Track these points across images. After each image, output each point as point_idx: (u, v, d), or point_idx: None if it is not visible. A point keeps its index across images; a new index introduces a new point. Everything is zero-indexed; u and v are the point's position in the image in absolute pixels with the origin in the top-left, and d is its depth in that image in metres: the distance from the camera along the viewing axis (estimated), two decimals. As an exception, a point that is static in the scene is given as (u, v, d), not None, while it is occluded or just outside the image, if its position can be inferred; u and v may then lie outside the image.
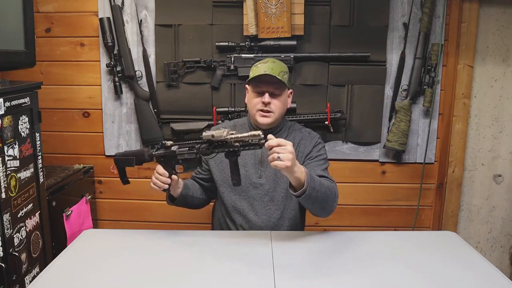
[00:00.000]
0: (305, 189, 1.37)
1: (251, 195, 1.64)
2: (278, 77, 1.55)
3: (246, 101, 1.69)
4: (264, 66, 1.58)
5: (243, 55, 2.21)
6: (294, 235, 1.54)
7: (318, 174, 1.54)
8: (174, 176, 1.50)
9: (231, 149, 1.34)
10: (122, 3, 2.22)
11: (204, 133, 1.38)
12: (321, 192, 1.43)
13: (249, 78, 1.61)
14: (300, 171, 1.37)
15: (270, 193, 1.63)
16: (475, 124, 2.39)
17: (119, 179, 1.58)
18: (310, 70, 2.26)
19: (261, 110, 1.59)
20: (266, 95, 1.57)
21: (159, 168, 1.48)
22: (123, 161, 1.54)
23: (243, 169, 1.62)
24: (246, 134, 1.31)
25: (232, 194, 1.66)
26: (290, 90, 1.70)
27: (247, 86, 1.67)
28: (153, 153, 1.49)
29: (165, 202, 1.60)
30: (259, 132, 1.29)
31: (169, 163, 1.48)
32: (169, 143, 1.48)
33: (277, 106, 1.59)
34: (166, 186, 1.49)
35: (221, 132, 1.34)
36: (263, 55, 2.20)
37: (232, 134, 1.34)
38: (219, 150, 1.37)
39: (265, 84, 1.58)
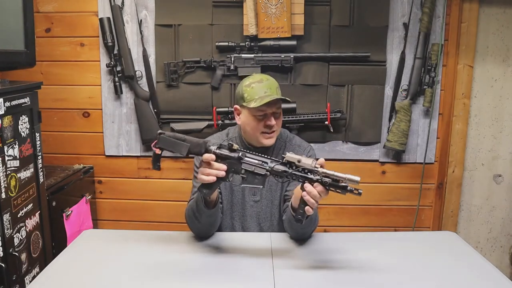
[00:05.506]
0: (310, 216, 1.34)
1: (247, 213, 1.61)
2: (282, 97, 1.48)
3: (240, 122, 1.56)
4: (262, 87, 1.48)
5: (243, 55, 2.21)
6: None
7: None
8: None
9: (312, 180, 1.21)
10: (122, 3, 2.22)
11: (288, 154, 1.24)
12: (313, 225, 1.44)
13: (253, 104, 1.46)
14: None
15: (264, 210, 1.61)
16: (475, 124, 2.39)
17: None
18: (310, 70, 2.26)
19: (266, 132, 1.51)
20: (272, 118, 1.49)
21: (215, 163, 1.25)
22: (172, 144, 1.28)
23: (237, 187, 1.57)
24: (342, 175, 1.20)
25: (228, 213, 1.62)
26: None
27: (238, 107, 1.54)
28: (214, 150, 1.26)
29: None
30: (358, 178, 1.18)
31: (228, 168, 1.26)
32: (235, 146, 1.27)
33: (279, 124, 1.54)
34: (217, 177, 1.25)
35: (308, 160, 1.22)
36: (263, 55, 2.20)
37: (319, 166, 1.22)
38: (295, 177, 1.23)
39: (268, 106, 1.47)
